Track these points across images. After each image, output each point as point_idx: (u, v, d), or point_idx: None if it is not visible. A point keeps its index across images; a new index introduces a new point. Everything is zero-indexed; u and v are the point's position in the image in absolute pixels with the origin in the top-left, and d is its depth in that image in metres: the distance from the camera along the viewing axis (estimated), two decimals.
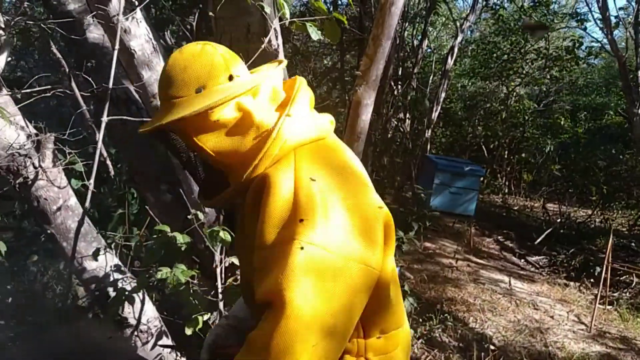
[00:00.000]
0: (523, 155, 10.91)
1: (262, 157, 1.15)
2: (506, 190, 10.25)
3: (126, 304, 2.31)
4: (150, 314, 2.42)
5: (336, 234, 1.07)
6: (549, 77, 10.68)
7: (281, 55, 2.17)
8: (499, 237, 7.15)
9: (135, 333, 2.33)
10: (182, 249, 2.19)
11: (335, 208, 1.10)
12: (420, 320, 4.13)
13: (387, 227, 1.22)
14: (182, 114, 1.15)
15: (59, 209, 2.20)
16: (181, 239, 2.20)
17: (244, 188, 1.18)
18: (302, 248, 1.03)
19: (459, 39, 8.24)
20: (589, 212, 8.11)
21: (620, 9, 11.34)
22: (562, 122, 10.26)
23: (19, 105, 2.20)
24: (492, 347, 3.79)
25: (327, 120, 1.30)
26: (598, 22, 7.10)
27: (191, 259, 2.33)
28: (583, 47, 9.52)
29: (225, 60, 1.20)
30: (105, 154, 2.33)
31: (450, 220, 7.26)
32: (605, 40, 7.26)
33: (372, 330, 1.23)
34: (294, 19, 2.00)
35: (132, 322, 2.37)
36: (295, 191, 1.10)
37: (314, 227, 1.05)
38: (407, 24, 7.92)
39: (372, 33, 2.20)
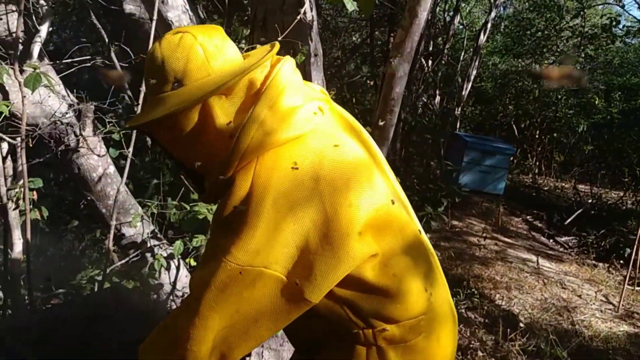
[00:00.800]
0: (555, 135, 10.70)
1: (224, 165, 1.09)
2: (536, 171, 10.10)
3: (162, 269, 2.38)
4: (185, 280, 2.49)
5: (273, 257, 1.03)
6: (583, 55, 10.41)
7: (315, 27, 2.18)
8: (528, 217, 7.07)
9: (171, 298, 2.41)
10: None
11: (282, 230, 1.03)
12: None
13: (384, 222, 1.15)
14: (148, 117, 1.11)
15: (98, 176, 2.27)
16: None
17: (221, 189, 1.12)
18: (228, 267, 1.02)
19: (493, 14, 8.08)
20: (621, 193, 7.96)
21: None
22: (595, 102, 10.01)
23: (60, 75, 2.27)
24: (521, 325, 3.79)
25: (314, 107, 1.17)
26: None
27: None
28: (620, 26, 9.24)
29: (205, 52, 1.11)
30: None
31: (479, 199, 7.22)
32: None
33: (373, 321, 1.16)
34: None
35: (168, 287, 2.45)
36: (246, 201, 1.04)
37: (248, 249, 1.02)
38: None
39: (408, 4, 2.19)
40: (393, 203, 1.18)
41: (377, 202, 1.13)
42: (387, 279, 1.14)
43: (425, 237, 1.32)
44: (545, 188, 8.91)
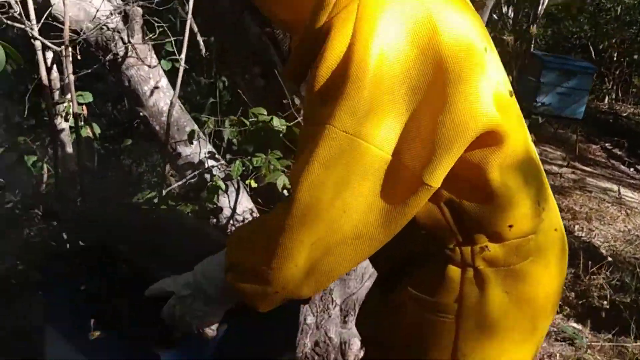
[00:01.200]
0: (635, 57, 9.88)
1: (316, 8, 0.88)
2: (614, 96, 9.39)
3: (221, 192, 2.22)
4: (245, 203, 2.33)
5: (383, 134, 0.83)
6: None
7: None
8: (607, 144, 6.60)
9: (231, 222, 2.26)
10: (280, 134, 2.03)
11: (393, 96, 0.83)
12: None
13: (506, 107, 0.96)
14: None
15: (150, 89, 2.08)
16: (278, 122, 2.04)
17: (311, 48, 0.90)
18: (333, 135, 0.82)
19: None
20: None
21: None
22: None
23: None
24: (609, 258, 3.53)
25: None
26: None
27: (287, 146, 2.16)
28: None
29: None
30: (196, 28, 2.15)
31: (552, 123, 6.77)
32: None
33: (475, 235, 0.99)
34: None
35: (228, 211, 2.29)
36: (348, 54, 0.82)
37: (355, 111, 0.81)
38: None
39: None
40: (511, 95, 1.00)
41: (500, 83, 0.97)
42: (501, 184, 0.96)
43: (534, 147, 1.12)
44: (624, 114, 8.30)
